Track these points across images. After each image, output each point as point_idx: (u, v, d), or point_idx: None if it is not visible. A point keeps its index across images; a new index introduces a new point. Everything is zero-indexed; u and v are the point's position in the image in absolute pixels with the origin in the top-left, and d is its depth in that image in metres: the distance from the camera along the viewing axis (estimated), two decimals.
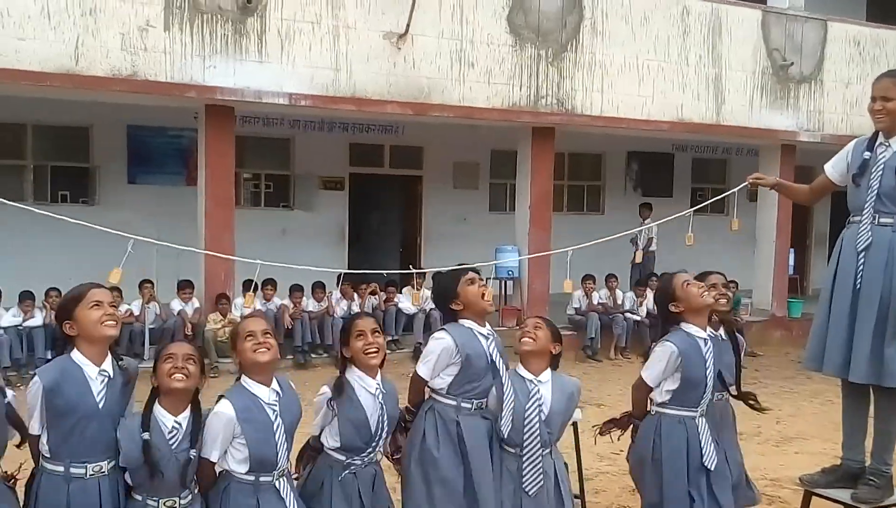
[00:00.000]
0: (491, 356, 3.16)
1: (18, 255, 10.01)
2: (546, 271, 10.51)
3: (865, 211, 3.42)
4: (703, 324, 3.37)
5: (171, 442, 2.66)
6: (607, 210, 14.04)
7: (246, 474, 2.76)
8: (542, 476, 3.14)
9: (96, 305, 2.67)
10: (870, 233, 3.40)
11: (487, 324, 3.26)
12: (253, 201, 12.29)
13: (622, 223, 11.69)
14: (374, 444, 2.96)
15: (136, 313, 9.10)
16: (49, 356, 7.80)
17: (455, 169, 13.16)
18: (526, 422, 3.10)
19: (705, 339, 3.33)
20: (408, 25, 9.17)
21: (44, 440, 2.64)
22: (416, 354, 9.65)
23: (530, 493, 3.13)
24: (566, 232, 10.39)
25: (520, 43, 9.88)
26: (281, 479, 2.80)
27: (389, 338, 9.98)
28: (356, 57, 9.13)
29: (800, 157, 11.67)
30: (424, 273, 10.66)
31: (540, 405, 3.12)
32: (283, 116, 11.47)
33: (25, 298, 8.61)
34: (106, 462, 2.66)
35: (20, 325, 8.46)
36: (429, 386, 3.21)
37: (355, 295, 9.93)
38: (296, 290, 9.63)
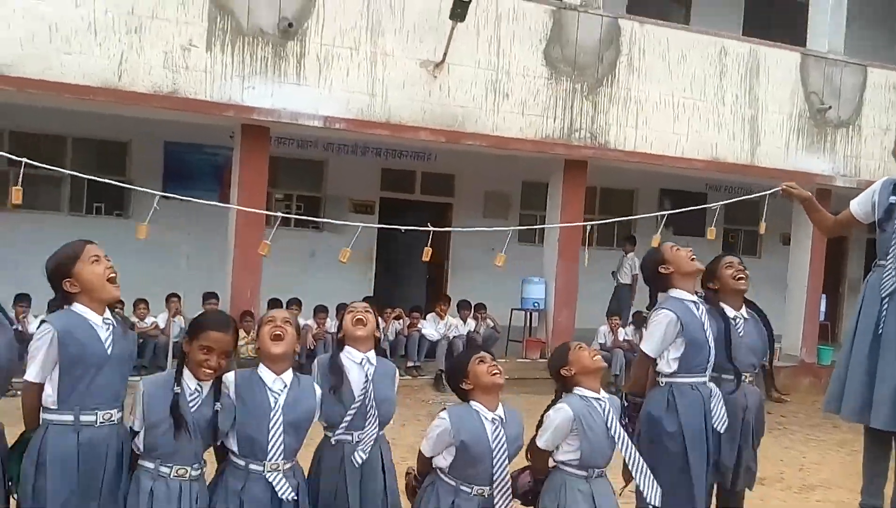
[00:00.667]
0: (491, 441, 3.03)
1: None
2: (573, 303, 10.46)
3: (891, 257, 3.40)
4: (692, 289, 3.42)
5: (191, 405, 2.74)
6: (638, 246, 13.93)
7: (238, 457, 2.83)
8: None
9: (96, 259, 2.74)
10: (893, 279, 3.37)
11: (501, 407, 3.12)
12: (283, 221, 12.39)
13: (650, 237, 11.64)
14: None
15: (162, 326, 9.20)
16: None
17: (486, 198, 13.19)
18: (494, 463, 3.04)
19: (695, 302, 3.39)
20: (445, 54, 9.27)
21: (49, 390, 2.66)
22: (438, 381, 9.62)
23: None
24: (595, 266, 10.36)
25: (555, 76, 9.94)
26: (275, 473, 2.80)
27: (411, 364, 9.97)
28: (392, 83, 9.24)
29: (835, 202, 11.50)
30: (448, 302, 10.73)
31: (501, 442, 3.08)
32: (318, 138, 11.61)
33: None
34: (115, 411, 2.72)
35: None
36: (435, 465, 3.15)
37: (379, 319, 9.92)
38: (320, 311, 9.68)
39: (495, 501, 3.03)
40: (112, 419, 2.71)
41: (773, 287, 12.28)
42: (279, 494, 2.79)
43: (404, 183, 12.86)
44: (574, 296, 10.46)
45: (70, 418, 2.65)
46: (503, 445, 3.04)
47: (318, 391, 3.03)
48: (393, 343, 9.87)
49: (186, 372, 2.80)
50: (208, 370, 2.77)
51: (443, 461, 3.08)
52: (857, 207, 3.65)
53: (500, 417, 3.08)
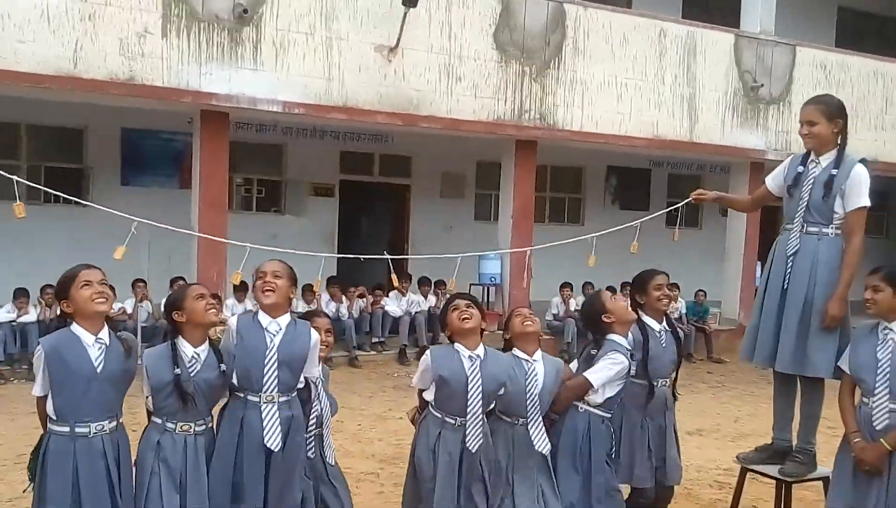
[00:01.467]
0: (468, 378, 3.38)
1: (13, 253, 10.26)
2: (526, 278, 10.91)
3: (796, 220, 3.81)
4: (626, 334, 3.76)
5: (190, 371, 3.07)
6: (587, 222, 14.48)
7: (238, 389, 3.19)
8: (546, 438, 3.55)
9: (86, 284, 2.97)
10: (798, 240, 3.78)
11: (483, 347, 3.46)
12: (245, 206, 12.60)
13: (602, 236, 12.15)
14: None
15: (129, 311, 9.37)
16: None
17: (442, 179, 13.55)
18: (528, 394, 3.50)
19: (630, 350, 3.74)
20: (398, 39, 9.57)
21: (50, 403, 2.94)
22: (402, 355, 10.01)
23: (543, 451, 3.53)
24: (547, 242, 10.80)
25: (505, 59, 10.33)
26: (269, 405, 3.14)
27: (376, 339, 10.33)
28: (348, 68, 9.51)
29: (767, 175, 12.18)
30: (410, 279, 11.11)
31: (536, 379, 3.53)
32: (276, 122, 11.80)
33: (20, 295, 8.86)
34: (107, 422, 2.97)
35: (14, 321, 8.71)
36: (425, 397, 3.54)
37: (343, 297, 10.27)
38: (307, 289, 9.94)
39: (467, 431, 3.39)
40: (104, 429, 2.94)
41: (714, 256, 12.97)
42: (265, 428, 3.11)
43: (363, 165, 13.13)
44: (527, 270, 10.90)
45: (66, 429, 2.92)
46: (478, 380, 3.38)
47: (315, 335, 3.34)
48: (357, 320, 10.21)
49: (182, 341, 3.11)
50: (213, 309, 3.13)
51: (429, 395, 3.48)
52: (771, 181, 4.06)
53: (478, 355, 3.43)
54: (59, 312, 3.06)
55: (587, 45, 10.73)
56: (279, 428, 3.15)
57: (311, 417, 3.39)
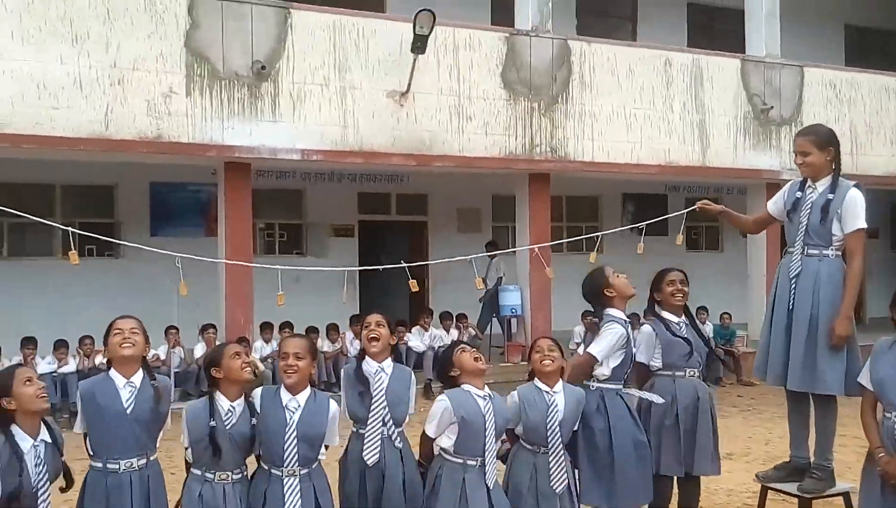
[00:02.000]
0: (485, 416, 3.54)
1: (51, 305, 10.68)
2: (547, 307, 11.07)
3: (797, 243, 3.98)
4: (624, 309, 4.02)
5: (226, 424, 3.30)
6: (606, 249, 14.60)
7: (263, 461, 3.41)
8: (566, 473, 3.70)
9: (118, 332, 3.29)
10: (800, 262, 3.95)
11: (487, 388, 3.64)
12: (267, 250, 12.95)
13: (620, 261, 12.27)
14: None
15: (163, 357, 9.69)
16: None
17: (458, 214, 13.82)
18: (549, 427, 3.65)
19: (628, 321, 4.00)
20: (409, 84, 9.92)
21: (88, 441, 3.24)
22: (427, 390, 10.19)
23: (557, 491, 3.67)
24: (567, 272, 10.97)
25: (514, 96, 10.63)
26: (291, 478, 3.32)
27: None
28: (362, 114, 9.86)
29: None
30: (431, 314, 11.32)
31: (557, 410, 3.68)
32: (296, 169, 12.17)
33: (60, 346, 9.23)
34: (136, 459, 3.22)
35: (55, 372, 9.05)
36: (437, 444, 3.63)
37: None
38: (311, 331, 10.20)
39: (486, 469, 3.53)
40: (133, 466, 3.19)
41: (736, 278, 13.01)
42: (285, 503, 3.29)
43: (380, 205, 13.45)
44: (548, 300, 11.07)
45: (100, 464, 3.22)
46: (493, 417, 3.55)
47: (334, 407, 3.50)
48: None
49: (219, 396, 3.34)
50: (246, 367, 3.35)
51: (447, 440, 3.54)
52: (772, 206, 4.24)
53: (488, 394, 3.62)
54: (97, 361, 3.37)
55: (594, 78, 10.99)
56: (300, 500, 3.33)
57: None
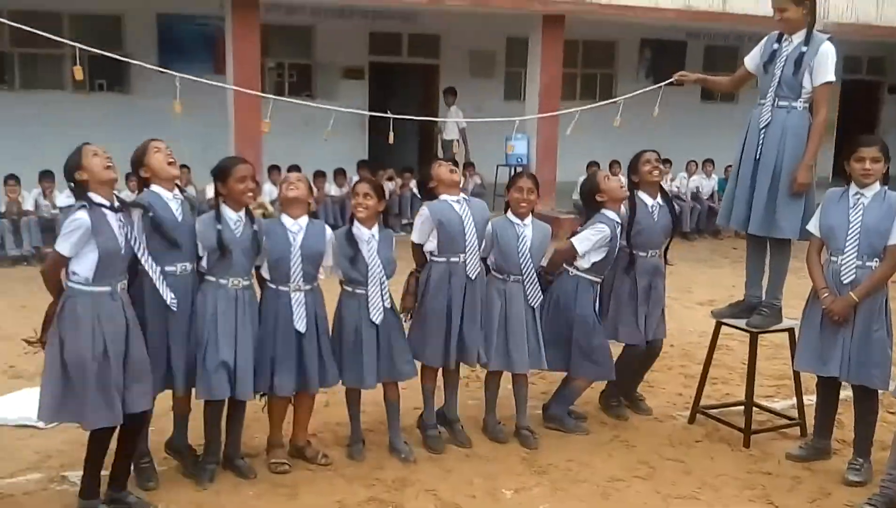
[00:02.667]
0: (462, 218, 4.01)
1: (66, 139, 10.76)
2: (553, 158, 11.12)
3: (769, 95, 4.10)
4: (618, 210, 4.30)
5: (235, 231, 3.65)
6: (619, 96, 14.41)
7: (271, 282, 3.79)
8: (539, 293, 4.19)
9: (157, 150, 3.56)
10: (770, 113, 4.09)
11: (461, 194, 4.07)
12: (277, 90, 12.85)
13: (633, 111, 12.20)
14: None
15: None
16: None
17: (471, 57, 13.54)
18: (520, 253, 4.11)
19: (619, 222, 4.28)
20: None
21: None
22: None
23: (534, 305, 4.18)
24: (580, 121, 10.93)
25: None
26: (297, 293, 3.74)
27: (406, 221, 10.81)
28: None
29: None
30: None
31: (525, 240, 4.12)
32: (305, 3, 11.84)
33: None
34: (189, 264, 3.60)
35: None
36: (424, 250, 4.08)
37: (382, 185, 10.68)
38: (318, 176, 10.39)
39: (467, 263, 4.01)
40: (187, 269, 3.59)
41: None
42: (293, 312, 3.73)
43: (392, 46, 13.17)
44: (555, 150, 11.10)
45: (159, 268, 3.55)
46: (471, 217, 4.00)
47: (329, 232, 3.89)
48: (388, 203, 10.64)
49: (225, 208, 3.65)
50: (250, 193, 3.66)
51: (431, 244, 4.03)
52: (749, 61, 4.31)
53: (465, 198, 4.05)
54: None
55: None
56: (305, 310, 3.75)
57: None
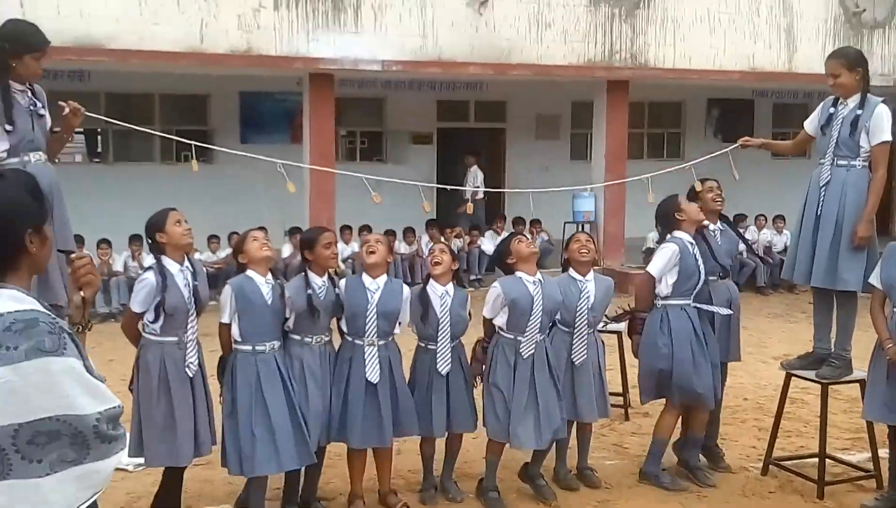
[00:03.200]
0: (533, 299, 4.05)
1: (155, 207, 11.51)
2: (621, 215, 11.26)
3: (828, 155, 4.25)
4: (692, 232, 4.39)
5: (320, 295, 3.93)
6: (687, 155, 14.50)
7: (348, 334, 4.03)
8: (586, 350, 4.29)
9: (255, 239, 3.87)
10: (830, 172, 4.23)
11: (538, 274, 4.13)
12: (349, 156, 13.48)
13: (702, 168, 12.26)
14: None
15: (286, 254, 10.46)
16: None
17: (537, 121, 13.92)
18: (578, 309, 4.23)
19: (692, 243, 4.36)
20: None
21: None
22: None
23: (576, 362, 4.27)
24: (647, 180, 11.05)
25: (594, 3, 10.53)
26: (371, 347, 3.96)
27: (474, 277, 11.05)
28: (441, 24, 10.04)
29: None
30: (504, 219, 11.71)
31: (588, 296, 4.26)
32: (377, 78, 12.47)
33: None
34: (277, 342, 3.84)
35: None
36: (495, 324, 4.17)
37: (441, 238, 11.02)
38: (388, 233, 10.76)
39: (523, 343, 4.07)
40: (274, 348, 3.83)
41: None
42: (366, 365, 3.94)
43: (459, 113, 13.69)
44: (622, 207, 11.25)
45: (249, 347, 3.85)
46: (541, 299, 4.06)
47: (406, 291, 4.09)
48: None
49: (312, 275, 3.93)
50: (334, 257, 3.95)
51: (500, 320, 4.10)
52: (809, 124, 4.49)
53: (539, 280, 4.10)
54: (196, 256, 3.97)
55: None
56: (378, 363, 3.97)
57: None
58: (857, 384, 4.42)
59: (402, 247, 10.88)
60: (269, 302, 3.82)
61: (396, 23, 9.92)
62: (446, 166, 13.85)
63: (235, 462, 3.77)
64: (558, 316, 4.32)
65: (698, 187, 4.61)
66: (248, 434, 3.72)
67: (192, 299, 3.72)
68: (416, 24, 9.98)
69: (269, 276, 3.91)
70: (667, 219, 4.43)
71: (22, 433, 1.61)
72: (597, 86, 11.16)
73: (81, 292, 1.96)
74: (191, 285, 3.72)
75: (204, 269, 4.04)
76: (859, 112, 4.16)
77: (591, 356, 4.34)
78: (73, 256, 1.99)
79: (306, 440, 3.79)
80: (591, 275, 4.34)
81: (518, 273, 4.14)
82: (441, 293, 4.11)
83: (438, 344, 4.07)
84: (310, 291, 3.88)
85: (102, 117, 6.09)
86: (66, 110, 3.77)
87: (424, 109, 13.36)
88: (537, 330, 4.10)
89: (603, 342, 4.56)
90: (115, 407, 1.69)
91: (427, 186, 12.37)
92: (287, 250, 10.63)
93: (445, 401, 4.10)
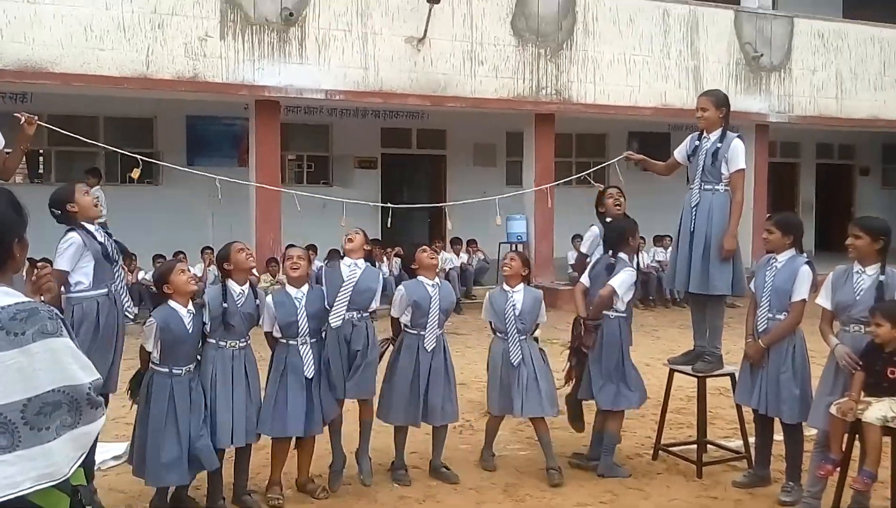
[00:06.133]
0: (431, 298, 4.73)
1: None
2: (550, 236, 12.10)
3: (696, 181, 5.01)
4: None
5: (237, 302, 4.30)
6: (611, 183, 15.48)
7: (283, 337, 4.50)
8: (521, 352, 4.85)
9: (182, 272, 4.19)
10: (698, 195, 4.99)
11: (437, 278, 4.84)
12: (296, 179, 14.00)
13: (626, 195, 13.17)
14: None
15: (199, 275, 10.84)
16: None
17: (475, 149, 14.75)
18: (506, 316, 4.85)
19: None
20: (425, 31, 10.78)
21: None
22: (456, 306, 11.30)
23: (514, 363, 4.85)
24: (574, 204, 11.93)
25: (522, 43, 11.44)
26: (305, 346, 4.45)
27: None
28: (382, 58, 10.75)
29: (772, 134, 13.11)
30: (444, 242, 12.41)
31: (514, 306, 4.85)
32: (322, 106, 13.08)
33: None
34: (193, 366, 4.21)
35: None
36: (400, 322, 4.82)
37: (384, 257, 11.66)
38: (334, 253, 11.31)
39: (426, 338, 4.73)
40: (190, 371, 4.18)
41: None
42: (303, 362, 4.43)
43: (402, 140, 14.41)
44: (551, 230, 12.09)
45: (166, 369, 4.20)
46: (438, 300, 4.74)
47: (325, 295, 4.56)
48: (397, 277, 11.55)
49: (231, 283, 4.28)
50: (252, 261, 4.40)
51: (406, 318, 4.79)
52: (678, 153, 5.23)
53: (437, 284, 4.82)
54: (139, 277, 4.45)
55: (596, 27, 11.76)
56: (312, 358, 4.46)
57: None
58: (729, 378, 5.21)
59: None
60: (190, 331, 4.16)
61: (339, 55, 10.58)
62: (391, 189, 14.49)
63: (140, 470, 4.15)
64: (491, 322, 4.96)
65: (601, 190, 5.41)
66: (155, 447, 4.06)
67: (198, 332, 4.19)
68: (358, 57, 10.67)
69: (191, 306, 4.20)
70: (622, 240, 4.96)
71: (31, 405, 1.85)
72: (525, 118, 12.03)
73: (41, 297, 2.17)
74: (200, 321, 4.18)
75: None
76: (719, 145, 4.91)
77: (529, 360, 4.89)
78: (39, 264, 2.33)
79: (211, 451, 4.15)
80: (519, 287, 4.92)
81: (420, 278, 4.82)
82: (349, 264, 4.66)
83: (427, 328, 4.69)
84: (225, 304, 4.22)
85: (50, 126, 6.40)
86: (23, 120, 4.23)
87: (369, 136, 14.02)
88: (436, 325, 4.76)
89: (544, 350, 5.10)
90: (99, 378, 1.99)
91: (372, 205, 13.05)
92: (199, 269, 10.81)
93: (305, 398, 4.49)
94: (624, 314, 4.98)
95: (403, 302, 4.77)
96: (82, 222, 4.28)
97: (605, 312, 4.90)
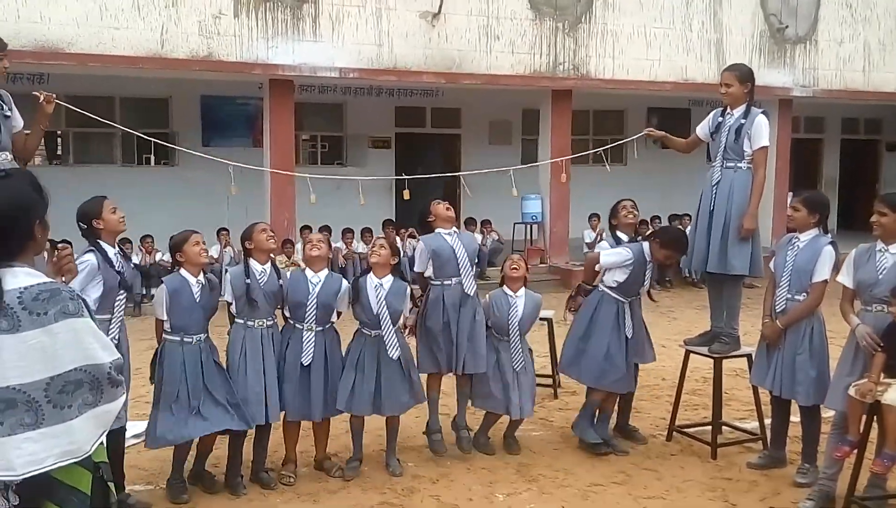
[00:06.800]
0: (453, 247, 4.71)
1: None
2: (566, 216, 11.95)
3: (718, 158, 4.87)
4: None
5: (260, 281, 4.38)
6: (629, 162, 15.26)
7: (290, 319, 4.51)
8: (523, 357, 4.84)
9: (196, 243, 4.26)
10: (720, 173, 4.86)
11: (453, 228, 4.79)
12: (310, 160, 13.94)
13: (643, 174, 12.98)
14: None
15: (216, 256, 10.88)
16: (143, 292, 9.72)
17: (490, 127, 14.55)
18: (510, 323, 4.80)
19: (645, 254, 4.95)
20: (440, 5, 10.59)
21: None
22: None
23: (517, 369, 4.82)
24: (591, 182, 11.79)
25: (539, 17, 11.21)
26: (309, 333, 4.42)
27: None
28: (396, 34, 10.60)
29: (796, 109, 12.75)
30: (458, 222, 12.28)
31: (516, 310, 4.81)
32: (336, 85, 12.96)
33: (125, 242, 10.39)
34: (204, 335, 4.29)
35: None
36: (425, 277, 4.80)
37: (397, 238, 11.58)
38: (347, 233, 11.31)
39: (463, 282, 4.69)
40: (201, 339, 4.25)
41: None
42: (304, 349, 4.42)
43: (416, 119, 14.25)
44: (566, 209, 11.94)
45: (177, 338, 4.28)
46: (461, 246, 4.71)
47: (345, 284, 4.57)
48: (410, 258, 11.49)
49: (253, 263, 4.37)
50: (273, 242, 4.41)
51: (430, 271, 4.72)
52: (700, 130, 5.08)
53: (455, 231, 4.77)
54: (157, 258, 4.43)
55: None
56: (314, 347, 4.44)
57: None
58: (746, 359, 5.09)
59: (359, 247, 11.40)
60: (198, 300, 4.22)
61: (353, 32, 10.45)
62: (405, 169, 14.38)
63: (153, 437, 4.20)
64: (491, 323, 4.86)
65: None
66: (167, 409, 4.15)
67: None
68: (372, 34, 10.53)
69: (201, 276, 4.29)
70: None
71: (54, 384, 1.90)
72: (542, 95, 11.83)
73: (62, 278, 2.22)
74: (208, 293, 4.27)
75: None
76: (743, 121, 4.77)
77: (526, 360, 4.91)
78: (59, 246, 2.36)
79: (220, 416, 4.19)
80: (521, 292, 4.87)
81: (437, 230, 4.76)
82: (375, 285, 4.52)
83: (383, 331, 4.49)
84: (248, 280, 4.32)
85: (68, 105, 6.36)
86: (42, 98, 4.15)
87: (383, 115, 13.89)
88: (469, 270, 4.69)
89: (531, 349, 5.10)
90: (119, 357, 2.08)
91: (386, 180, 12.95)
92: (215, 250, 10.89)
93: (375, 382, 4.51)
94: (612, 294, 4.92)
95: (424, 256, 4.74)
96: (105, 241, 4.19)
97: (600, 287, 4.94)
